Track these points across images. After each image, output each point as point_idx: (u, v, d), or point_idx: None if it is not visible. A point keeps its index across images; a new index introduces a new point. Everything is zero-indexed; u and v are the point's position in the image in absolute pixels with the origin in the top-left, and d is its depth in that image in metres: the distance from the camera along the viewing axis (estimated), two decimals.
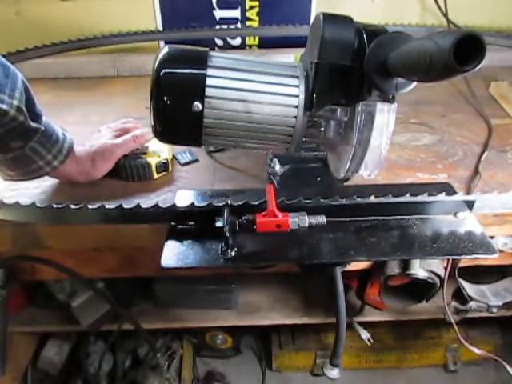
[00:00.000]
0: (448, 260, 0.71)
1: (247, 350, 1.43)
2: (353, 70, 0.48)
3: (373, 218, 0.60)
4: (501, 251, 0.66)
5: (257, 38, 1.18)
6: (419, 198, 0.57)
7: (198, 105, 0.48)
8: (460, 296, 0.85)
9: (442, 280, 0.74)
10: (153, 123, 0.49)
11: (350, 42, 0.47)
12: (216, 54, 0.50)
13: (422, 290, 0.80)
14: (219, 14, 1.13)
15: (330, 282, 0.67)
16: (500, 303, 0.83)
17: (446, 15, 1.10)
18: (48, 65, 1.07)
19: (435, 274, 0.73)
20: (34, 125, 0.56)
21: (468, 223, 0.59)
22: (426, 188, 0.62)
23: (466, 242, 0.56)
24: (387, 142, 0.52)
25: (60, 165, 0.62)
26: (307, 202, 0.56)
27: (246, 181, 0.71)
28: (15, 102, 0.52)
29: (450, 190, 0.65)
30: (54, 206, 0.56)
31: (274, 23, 1.13)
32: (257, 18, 1.14)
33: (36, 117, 0.58)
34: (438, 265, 0.73)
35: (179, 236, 0.57)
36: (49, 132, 0.60)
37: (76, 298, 0.94)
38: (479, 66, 0.32)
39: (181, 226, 0.58)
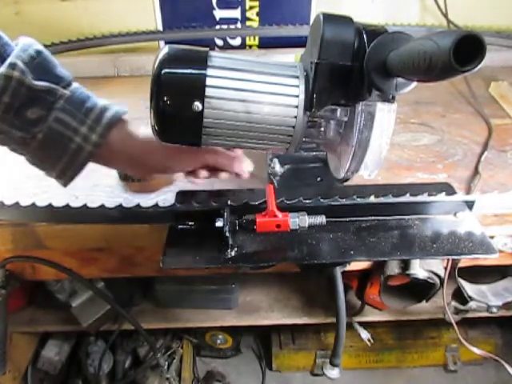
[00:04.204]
0: (448, 260, 0.71)
1: (247, 350, 1.43)
2: (353, 69, 0.48)
3: (373, 218, 0.60)
4: (501, 251, 0.66)
5: (257, 38, 1.18)
6: (419, 198, 0.57)
7: (198, 105, 0.48)
8: (460, 296, 0.85)
9: (441, 280, 0.74)
10: (153, 123, 0.49)
11: (350, 42, 0.47)
12: (216, 54, 0.50)
13: (421, 290, 0.80)
14: (219, 13, 1.13)
15: (330, 282, 0.67)
16: (500, 303, 0.83)
17: (445, 15, 1.10)
18: None
19: (435, 274, 0.73)
20: (46, 85, 0.46)
21: (468, 223, 0.59)
22: (426, 188, 0.62)
23: (465, 242, 0.56)
24: (387, 142, 0.52)
25: (102, 140, 0.48)
26: (307, 201, 0.56)
27: (246, 181, 0.71)
28: (13, 60, 0.44)
29: (449, 190, 0.65)
30: (54, 205, 0.56)
31: (274, 23, 1.13)
32: (257, 18, 1.14)
33: (57, 80, 0.48)
34: (438, 265, 0.73)
35: (179, 236, 0.57)
36: (78, 98, 0.48)
37: (76, 297, 0.94)
38: (479, 66, 0.32)
39: (181, 226, 0.58)
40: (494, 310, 0.83)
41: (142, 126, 0.53)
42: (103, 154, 0.50)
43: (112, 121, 0.49)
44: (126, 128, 0.51)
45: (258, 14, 1.13)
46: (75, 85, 0.50)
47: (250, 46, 1.20)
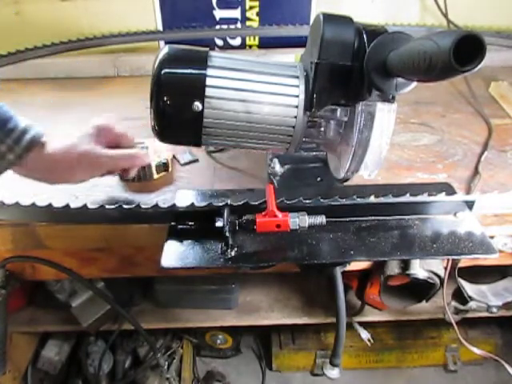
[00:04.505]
0: (448, 260, 0.71)
1: (247, 350, 1.43)
2: (353, 69, 0.48)
3: (373, 218, 0.60)
4: (501, 251, 0.66)
5: (257, 38, 1.18)
6: (419, 198, 0.57)
7: (198, 105, 0.48)
8: (460, 296, 0.85)
9: (441, 280, 0.74)
10: (153, 123, 0.49)
11: (350, 42, 0.47)
12: (216, 54, 0.50)
13: (421, 289, 0.80)
14: (219, 13, 1.13)
15: (330, 282, 0.67)
16: (500, 303, 0.83)
17: (445, 15, 1.10)
18: (48, 65, 1.07)
19: (435, 274, 0.73)
20: None
21: (468, 223, 0.59)
22: (426, 188, 0.62)
23: (465, 242, 0.56)
24: (387, 142, 0.52)
25: (18, 160, 0.53)
26: (307, 202, 0.56)
27: (246, 181, 0.71)
28: None
29: (449, 190, 0.65)
30: (54, 205, 0.56)
31: (274, 23, 1.13)
32: (257, 18, 1.14)
33: None
34: (438, 265, 0.73)
35: (179, 236, 0.57)
36: (1, 118, 0.51)
37: (76, 297, 0.94)
38: (479, 66, 0.32)
39: (181, 226, 0.58)
40: (494, 309, 0.83)
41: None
42: (17, 170, 0.55)
43: (31, 144, 0.53)
44: (41, 149, 0.55)
45: (258, 14, 1.13)
46: None
47: (250, 46, 1.20)
